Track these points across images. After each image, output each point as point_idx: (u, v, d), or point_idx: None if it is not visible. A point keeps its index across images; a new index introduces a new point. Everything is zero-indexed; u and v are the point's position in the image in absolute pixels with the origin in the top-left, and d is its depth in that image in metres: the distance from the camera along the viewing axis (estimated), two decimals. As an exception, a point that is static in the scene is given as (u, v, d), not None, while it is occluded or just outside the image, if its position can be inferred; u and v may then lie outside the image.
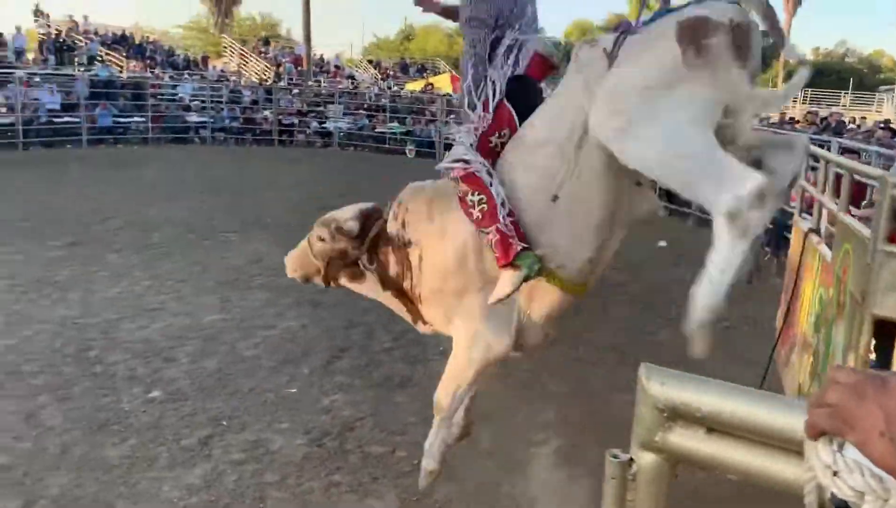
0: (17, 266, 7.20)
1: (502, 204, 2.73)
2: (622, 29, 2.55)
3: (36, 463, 3.80)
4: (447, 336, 3.47)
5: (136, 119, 18.99)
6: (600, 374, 5.33)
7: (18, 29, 24.15)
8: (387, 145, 19.92)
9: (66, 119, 17.75)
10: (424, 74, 35.36)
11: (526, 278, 2.69)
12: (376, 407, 4.61)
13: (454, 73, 35.55)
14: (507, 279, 2.71)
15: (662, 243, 9.39)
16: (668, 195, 12.44)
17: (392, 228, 3.10)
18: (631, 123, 2.32)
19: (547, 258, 2.74)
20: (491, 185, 2.77)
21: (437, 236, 2.96)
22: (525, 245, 2.69)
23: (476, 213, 2.76)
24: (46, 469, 3.74)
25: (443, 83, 28.27)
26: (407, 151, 19.48)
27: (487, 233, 2.73)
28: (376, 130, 20.46)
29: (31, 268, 7.16)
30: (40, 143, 16.86)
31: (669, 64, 2.30)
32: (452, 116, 19.88)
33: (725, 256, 2.26)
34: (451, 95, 23.08)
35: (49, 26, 27.13)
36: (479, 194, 2.77)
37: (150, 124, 18.91)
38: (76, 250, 7.88)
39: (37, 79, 18.70)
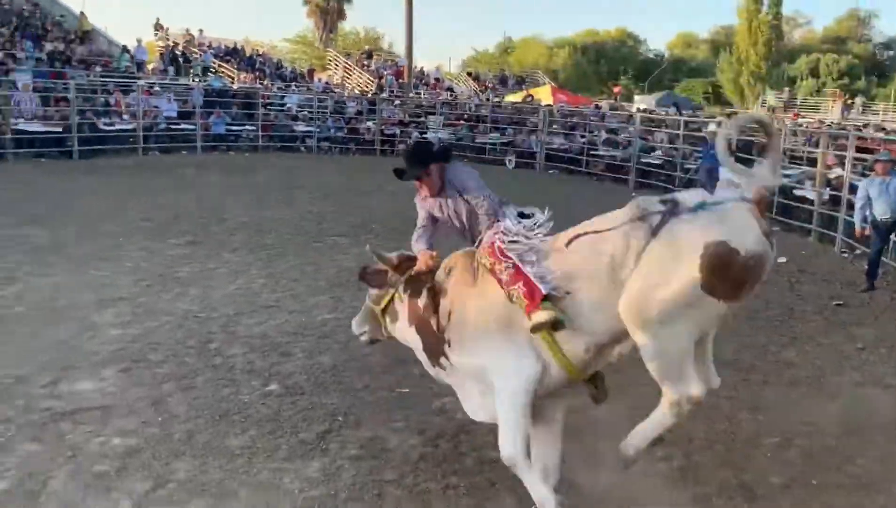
0: (142, 262, 7.55)
1: (530, 267, 3.23)
2: (667, 210, 2.97)
3: (163, 448, 3.91)
4: None
5: (247, 127, 19.74)
6: (723, 391, 5.06)
7: (139, 41, 25.60)
8: (486, 156, 19.91)
9: (182, 126, 18.64)
10: (524, 86, 35.28)
11: (554, 321, 3.09)
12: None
13: (553, 85, 35.37)
14: (539, 315, 3.11)
15: (783, 260, 8.92)
16: (786, 211, 11.90)
17: (440, 274, 3.59)
18: (646, 324, 2.90)
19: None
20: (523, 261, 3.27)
21: (475, 296, 3.40)
22: (548, 293, 3.14)
23: (503, 277, 3.23)
24: (173, 455, 3.84)
25: (543, 95, 28.13)
26: (507, 162, 19.40)
27: (514, 290, 3.17)
28: (476, 141, 20.50)
29: (155, 264, 7.49)
30: (158, 148, 17.73)
31: (689, 287, 2.83)
32: (555, 126, 19.72)
33: (659, 421, 3.12)
34: (551, 106, 22.90)
35: (168, 39, 28.64)
36: (505, 263, 3.26)
37: (259, 133, 19.62)
38: (196, 249, 8.19)
39: (156, 88, 19.71)
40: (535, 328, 3.11)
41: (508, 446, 3.25)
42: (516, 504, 3.55)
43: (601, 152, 18.06)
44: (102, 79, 19.95)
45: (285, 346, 5.38)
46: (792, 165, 13.01)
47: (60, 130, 16.13)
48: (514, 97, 29.92)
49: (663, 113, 23.60)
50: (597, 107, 24.95)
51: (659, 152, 16.78)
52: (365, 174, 15.91)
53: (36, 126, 15.83)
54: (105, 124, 17.08)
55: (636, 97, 39.52)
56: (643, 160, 16.73)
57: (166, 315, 5.96)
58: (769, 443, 4.31)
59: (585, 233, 3.21)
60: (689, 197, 3.03)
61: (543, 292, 3.11)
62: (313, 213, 10.67)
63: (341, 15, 46.91)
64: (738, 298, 2.89)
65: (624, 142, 17.90)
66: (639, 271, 2.92)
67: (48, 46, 21.60)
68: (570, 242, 3.24)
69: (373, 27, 50.52)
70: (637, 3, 73.11)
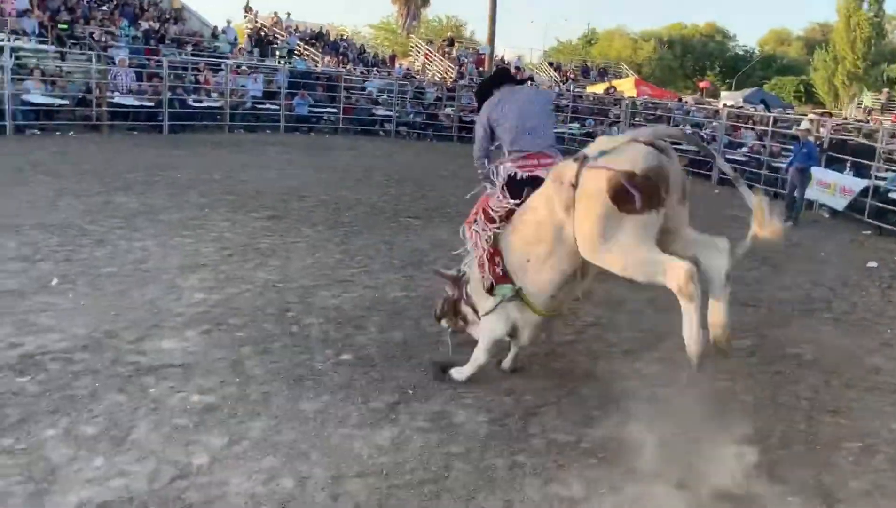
0: (225, 233, 7.78)
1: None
2: (578, 165, 3.63)
3: (239, 407, 4.03)
4: (630, 338, 5.58)
5: (328, 109, 20.08)
6: (803, 392, 4.88)
7: (229, 22, 26.36)
8: (565, 146, 19.69)
9: (267, 106, 19.11)
10: (606, 78, 34.70)
11: (502, 300, 4.28)
12: (560, 397, 4.49)
13: (638, 77, 34.64)
14: (489, 301, 4.36)
15: (873, 264, 8.53)
16: (880, 215, 11.34)
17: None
18: (599, 252, 3.61)
19: (524, 291, 4.20)
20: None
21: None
22: (501, 282, 4.27)
23: (480, 251, 4.38)
24: (248, 414, 3.96)
25: (625, 87, 27.63)
26: (586, 153, 19.15)
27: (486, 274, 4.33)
28: (555, 130, 20.30)
29: (237, 235, 7.71)
30: (244, 126, 18.23)
31: (611, 215, 3.50)
32: (637, 118, 19.32)
33: (686, 311, 3.55)
34: (634, 98, 22.44)
35: (256, 22, 29.34)
36: (480, 251, 4.37)
37: (340, 115, 19.93)
38: (276, 223, 8.39)
39: (243, 68, 20.23)
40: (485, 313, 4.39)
41: (481, 355, 4.51)
42: (583, 489, 3.51)
43: (684, 147, 17.60)
44: (193, 58, 20.62)
45: (358, 319, 5.46)
46: (889, 169, 12.38)
47: (152, 104, 16.77)
48: (595, 88, 29.46)
49: (751, 109, 22.82)
50: (680, 100, 24.33)
51: (745, 149, 16.24)
52: (441, 160, 15.97)
53: (130, 100, 16.49)
54: (194, 101, 17.66)
55: (723, 93, 38.32)
56: (728, 157, 16.21)
57: (247, 283, 6.13)
58: (851, 447, 4.13)
59: (525, 209, 4.12)
60: (592, 149, 3.69)
61: (492, 282, 4.27)
62: (390, 194, 10.78)
63: (425, 2, 47.04)
64: (654, 205, 3.47)
65: (708, 137, 17.39)
66: (575, 219, 3.66)
67: (144, 25, 22.43)
68: (518, 218, 4.17)
69: (455, 16, 50.63)
70: (729, -2, 70.81)
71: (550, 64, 39.59)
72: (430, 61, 33.31)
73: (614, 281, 6.47)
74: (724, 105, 23.97)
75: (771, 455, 3.95)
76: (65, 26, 19.80)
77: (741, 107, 24.31)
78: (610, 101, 22.11)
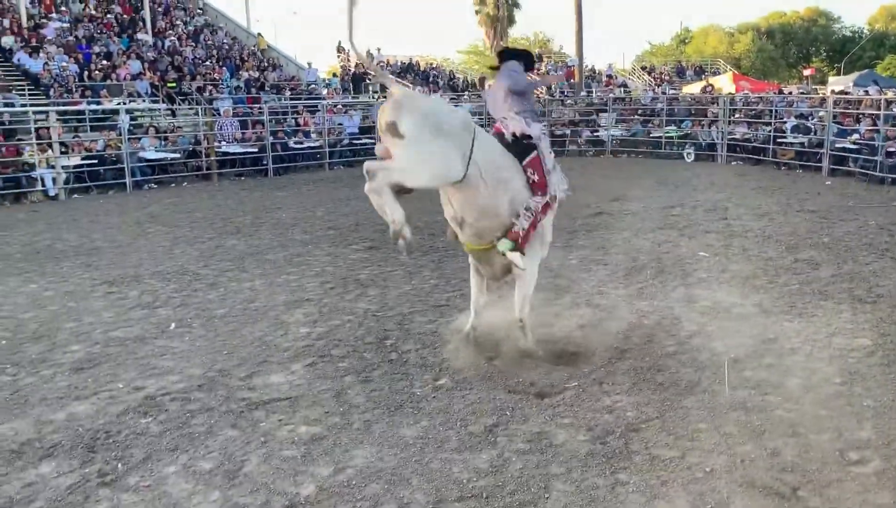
0: (327, 266, 8.08)
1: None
2: None
3: (343, 436, 4.16)
4: (737, 346, 5.38)
5: (422, 137, 20.45)
6: (930, 393, 4.55)
7: (309, 64, 27.48)
8: (662, 150, 19.23)
9: (363, 141, 19.70)
10: (702, 76, 33.68)
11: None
12: (663, 411, 4.38)
13: (735, 72, 33.42)
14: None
15: None
16: None
17: None
18: None
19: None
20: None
21: None
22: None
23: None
24: (352, 443, 4.08)
25: (724, 84, 26.71)
26: (685, 155, 18.63)
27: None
28: (651, 136, 19.86)
29: (338, 268, 7.99)
30: (342, 162, 18.86)
31: None
32: (736, 115, 18.63)
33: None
34: (733, 95, 21.66)
35: (348, 60, 30.40)
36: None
37: (433, 141, 20.25)
38: (374, 254, 8.64)
39: (339, 106, 20.97)
40: None
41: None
42: (688, 505, 3.41)
43: (789, 140, 16.83)
44: (292, 101, 21.59)
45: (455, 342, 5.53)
46: None
47: (256, 150, 17.63)
48: (692, 87, 28.64)
49: (861, 93, 21.53)
50: (780, 92, 23.27)
51: (856, 136, 15.33)
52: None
53: (236, 148, 17.42)
54: (295, 143, 18.44)
55: (830, 79, 36.36)
56: (838, 145, 15.38)
57: (348, 314, 6.34)
58: None
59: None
60: None
61: None
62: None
63: (511, 21, 47.29)
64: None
65: (816, 127, 16.56)
66: None
67: (244, 75, 23.69)
68: None
69: (542, 32, 50.54)
70: (830, -23, 67.32)
71: (643, 68, 38.83)
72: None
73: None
74: (832, 91, 22.76)
75: (895, 463, 3.71)
76: (173, 84, 21.22)
77: (850, 92, 22.98)
78: (707, 99, 21.44)
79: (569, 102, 24.05)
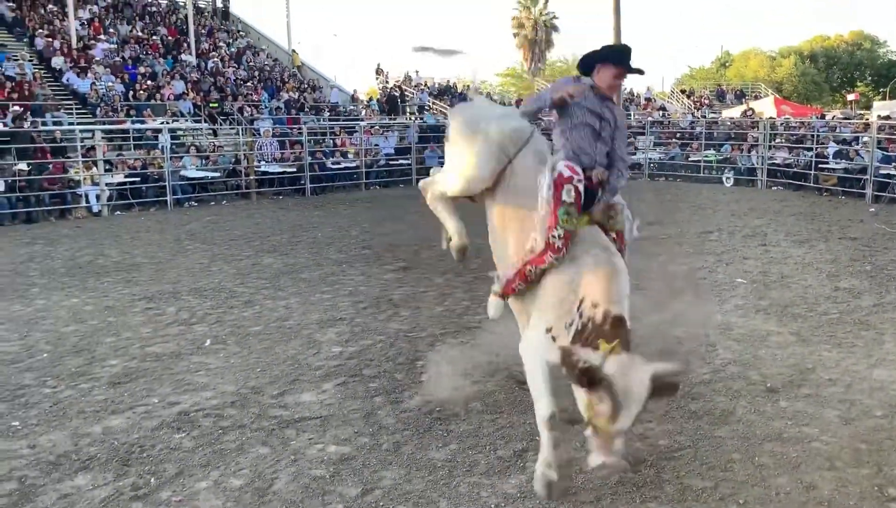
0: (360, 286, 8.14)
1: None
2: None
3: (372, 457, 4.17)
4: (774, 375, 5.22)
5: (458, 159, 20.58)
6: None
7: (332, 88, 27.80)
8: (701, 175, 19.04)
9: (399, 161, 19.87)
10: (743, 100, 33.34)
11: None
12: (696, 440, 4.31)
13: (777, 96, 33.02)
14: None
15: None
16: None
17: None
18: None
19: None
20: None
21: None
22: None
23: None
24: (381, 463, 4.09)
25: (764, 107, 26.40)
26: (724, 180, 18.42)
27: None
28: (689, 160, 19.68)
29: (371, 288, 8.04)
30: (378, 183, 19.04)
31: None
32: (777, 139, 18.38)
33: None
34: (774, 119, 21.39)
35: (387, 82, 30.77)
36: None
37: (469, 163, 20.35)
38: (407, 274, 8.68)
39: (376, 127, 21.20)
40: None
41: None
42: (721, 536, 3.34)
43: (832, 165, 16.54)
44: (330, 122, 21.89)
45: (486, 366, 5.51)
46: None
47: (295, 169, 17.88)
48: (731, 112, 28.36)
49: (908, 118, 21.09)
50: (822, 116, 22.92)
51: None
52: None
53: (275, 167, 17.70)
54: (333, 163, 18.67)
55: (875, 104, 35.67)
56: (882, 172, 15.08)
57: (379, 335, 6.37)
58: None
59: None
60: None
61: None
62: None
63: (549, 45, 47.51)
64: None
65: (860, 152, 16.26)
66: None
67: (284, 96, 24.10)
68: None
69: (580, 54, 50.59)
70: (875, 2, 66.36)
71: (683, 91, 38.60)
72: (558, 102, 33.38)
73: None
74: (878, 116, 22.35)
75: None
76: (215, 104, 21.66)
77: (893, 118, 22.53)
78: (747, 123, 21.21)
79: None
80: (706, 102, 34.56)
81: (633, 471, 3.77)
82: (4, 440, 4.44)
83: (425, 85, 31.53)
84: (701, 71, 52.45)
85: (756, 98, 33.89)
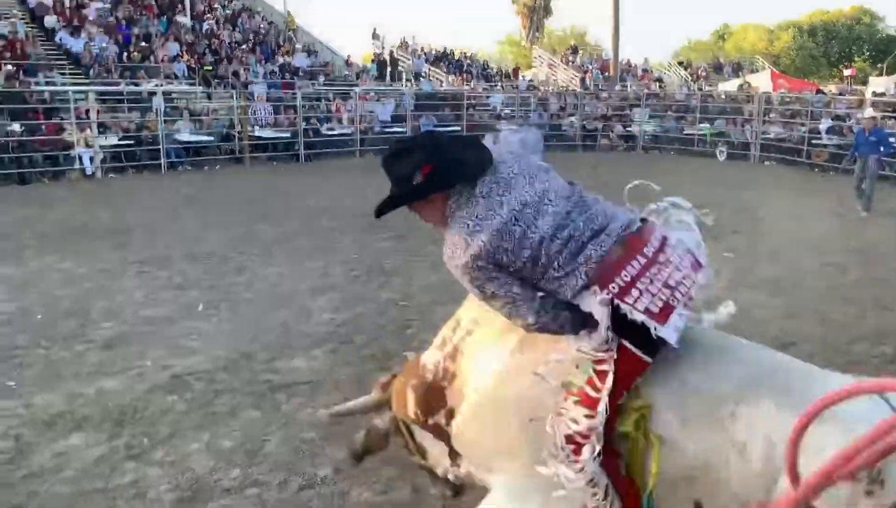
0: (353, 254, 8.20)
1: None
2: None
3: (362, 422, 4.25)
4: None
5: (453, 128, 20.51)
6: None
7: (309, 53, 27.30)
8: (695, 148, 19.07)
9: (394, 129, 19.80)
10: (740, 73, 33.22)
11: None
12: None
13: (773, 69, 32.91)
14: None
15: None
16: None
17: None
18: None
19: None
20: None
21: None
22: None
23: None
24: (370, 428, 4.17)
25: (761, 81, 26.31)
26: (717, 153, 18.46)
27: None
28: (684, 133, 19.69)
29: (364, 256, 8.11)
30: (373, 150, 18.98)
31: None
32: (772, 114, 18.41)
33: None
34: (769, 93, 21.38)
35: (383, 47, 30.46)
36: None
37: (464, 132, 20.30)
38: (401, 243, 8.73)
39: (372, 94, 21.08)
40: None
41: None
42: None
43: (825, 141, 16.59)
44: (325, 87, 21.74)
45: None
46: None
47: (289, 135, 17.82)
48: (729, 85, 28.28)
49: (903, 95, 21.12)
50: (819, 92, 22.91)
51: (894, 140, 15.05)
52: (564, 169, 15.88)
53: (269, 133, 17.63)
54: (327, 129, 18.60)
55: (871, 80, 35.58)
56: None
57: (371, 302, 6.45)
58: None
59: None
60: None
61: None
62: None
63: (547, 12, 47.01)
64: None
65: (853, 129, 16.30)
66: None
67: (279, 60, 23.88)
68: None
69: (579, 24, 50.22)
70: (876, -25, 65.86)
71: (680, 63, 38.38)
72: (554, 71, 33.22)
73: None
74: (873, 93, 22.36)
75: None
76: (209, 68, 21.45)
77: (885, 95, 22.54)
78: (742, 98, 21.20)
79: (603, 95, 23.88)
80: (703, 74, 34.41)
81: None
82: (2, 398, 4.52)
83: (422, 51, 31.25)
84: (699, 43, 52.11)
85: (753, 72, 33.75)
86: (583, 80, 29.89)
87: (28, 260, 7.91)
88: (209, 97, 19.70)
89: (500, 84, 28.42)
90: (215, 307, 6.33)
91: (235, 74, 21.68)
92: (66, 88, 16.51)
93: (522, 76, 31.28)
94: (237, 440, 4.05)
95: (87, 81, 18.53)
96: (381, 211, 2.33)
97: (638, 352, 2.13)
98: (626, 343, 2.13)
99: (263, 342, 5.51)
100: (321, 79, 23.50)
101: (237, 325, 5.90)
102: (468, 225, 2.18)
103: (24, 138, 14.23)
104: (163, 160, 15.58)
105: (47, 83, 17.29)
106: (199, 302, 6.44)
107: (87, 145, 14.89)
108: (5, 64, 16.79)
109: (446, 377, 2.56)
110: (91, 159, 14.81)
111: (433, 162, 2.21)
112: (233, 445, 3.99)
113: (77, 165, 14.71)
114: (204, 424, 4.22)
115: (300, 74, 23.24)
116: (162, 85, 18.31)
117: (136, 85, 18.55)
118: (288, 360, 5.17)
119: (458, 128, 20.32)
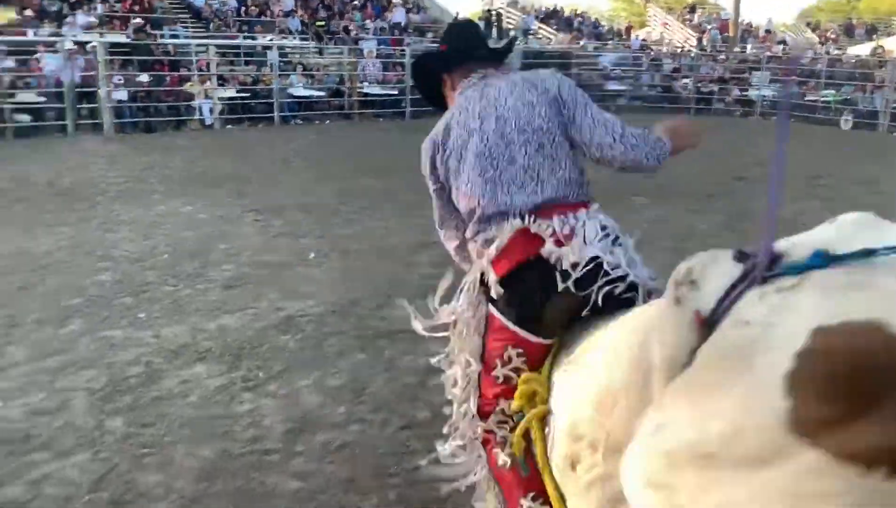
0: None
1: None
2: (745, 274, 1.34)
3: (460, 372, 4.43)
4: None
5: (560, 87, 20.24)
6: None
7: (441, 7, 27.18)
8: (818, 115, 18.05)
9: (501, 88, 19.69)
10: (874, 36, 30.97)
11: None
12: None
13: (913, 33, 30.47)
14: None
15: None
16: None
17: None
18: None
19: None
20: None
21: None
22: None
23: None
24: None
25: (896, 45, 24.51)
26: (842, 122, 17.42)
27: None
28: (805, 99, 18.66)
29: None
30: (479, 109, 19.01)
31: (770, 432, 1.14)
32: (905, 81, 17.17)
33: None
34: (905, 59, 19.89)
35: (492, 4, 30.17)
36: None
37: (572, 93, 19.99)
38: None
39: (480, 52, 20.98)
40: None
41: None
42: None
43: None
44: (434, 44, 21.81)
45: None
46: None
47: (396, 92, 18.06)
48: (859, 49, 26.47)
49: None
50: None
51: None
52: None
53: (377, 89, 17.93)
54: (433, 87, 18.72)
55: None
56: None
57: (472, 259, 6.58)
58: None
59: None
60: (804, 241, 1.36)
61: None
62: (612, 171, 10.74)
63: (665, -32, 45.06)
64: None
65: None
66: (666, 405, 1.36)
67: (389, 16, 24.11)
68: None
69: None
70: None
71: (808, 24, 36.16)
72: (669, 30, 32.00)
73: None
74: None
75: None
76: (322, 23, 21.92)
77: None
78: (874, 63, 19.82)
79: (720, 57, 22.88)
80: (832, 36, 32.30)
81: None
82: (134, 329, 4.96)
83: (532, 8, 30.78)
84: (830, 3, 48.73)
85: (890, 35, 31.39)
86: (699, 40, 28.66)
87: (155, 204, 8.49)
88: (320, 53, 20.19)
89: (611, 43, 27.68)
90: (325, 256, 6.63)
91: (346, 29, 22.08)
92: (189, 41, 17.31)
93: (635, 35, 30.29)
94: (343, 379, 4.30)
95: (206, 34, 19.35)
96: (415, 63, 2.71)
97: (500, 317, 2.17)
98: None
99: (370, 290, 5.75)
100: (429, 36, 23.59)
101: (346, 274, 6.18)
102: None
103: (151, 89, 15.07)
104: (276, 113, 16.16)
105: (171, 36, 18.18)
106: (311, 250, 6.76)
107: (207, 97, 15.62)
108: (134, 17, 17.76)
109: None
110: (210, 110, 15.55)
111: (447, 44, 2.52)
112: (339, 384, 4.24)
113: (197, 116, 15.48)
114: (314, 363, 4.50)
115: (409, 30, 23.40)
116: (277, 40, 18.89)
117: (253, 39, 19.23)
118: (392, 309, 5.38)
119: (566, 88, 20.02)
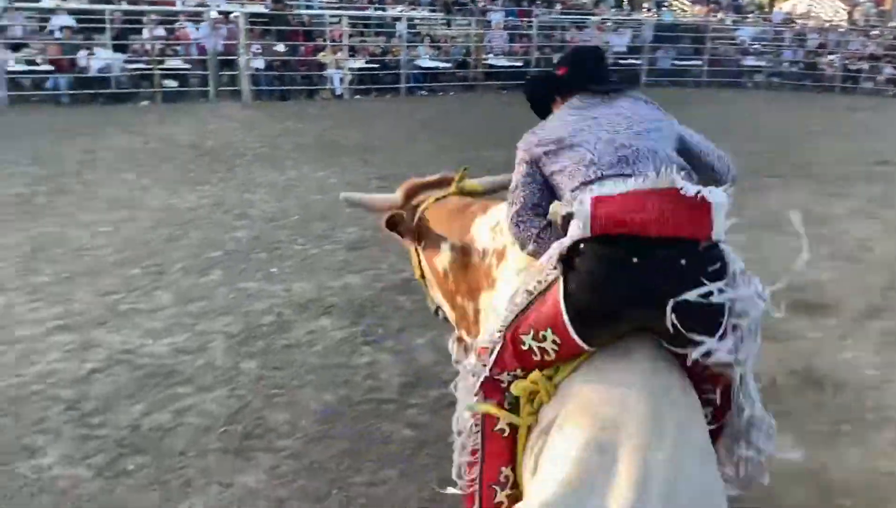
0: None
1: None
2: None
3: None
4: None
5: (693, 62, 19.46)
6: None
7: None
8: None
9: (629, 60, 19.20)
10: None
11: None
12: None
13: None
14: None
15: None
16: None
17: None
18: None
19: None
20: None
21: None
22: None
23: None
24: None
25: None
26: None
27: None
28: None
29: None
30: (605, 83, 18.62)
31: None
32: None
33: None
34: None
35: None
36: None
37: (706, 67, 19.19)
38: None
39: (609, 23, 20.49)
40: None
41: None
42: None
43: None
44: (562, 16, 21.49)
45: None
46: None
47: (521, 64, 17.99)
48: None
49: None
50: None
51: None
52: (814, 114, 14.61)
53: (502, 61, 17.92)
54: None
55: None
56: None
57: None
58: None
59: None
60: None
61: None
62: (745, 152, 10.31)
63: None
64: None
65: None
66: None
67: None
68: None
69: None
70: None
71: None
72: (818, 3, 29.96)
73: None
74: None
75: None
76: (451, -6, 22.01)
77: None
78: None
79: (873, 32, 21.24)
80: None
81: None
82: (267, 282, 5.34)
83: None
84: None
85: None
86: (850, 13, 26.68)
87: (288, 169, 8.97)
88: (448, 24, 20.34)
89: (751, 16, 26.26)
90: (443, 225, 6.82)
91: (474, 1, 22.10)
92: (323, 11, 17.91)
93: (779, 8, 28.56)
94: (393, 341, 4.47)
95: (338, 4, 19.92)
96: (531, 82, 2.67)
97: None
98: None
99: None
100: (558, 7, 23.25)
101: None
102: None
103: (287, 58, 15.75)
104: (403, 84, 16.50)
105: (307, 7, 18.85)
106: (429, 218, 6.97)
107: (338, 67, 16.16)
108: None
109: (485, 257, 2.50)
110: (341, 80, 16.08)
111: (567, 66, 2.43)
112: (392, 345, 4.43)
113: (328, 85, 16.06)
114: (428, 324, 4.67)
115: (537, 2, 23.14)
116: (406, 11, 19.21)
117: (383, 10, 19.63)
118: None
119: (700, 62, 19.24)
